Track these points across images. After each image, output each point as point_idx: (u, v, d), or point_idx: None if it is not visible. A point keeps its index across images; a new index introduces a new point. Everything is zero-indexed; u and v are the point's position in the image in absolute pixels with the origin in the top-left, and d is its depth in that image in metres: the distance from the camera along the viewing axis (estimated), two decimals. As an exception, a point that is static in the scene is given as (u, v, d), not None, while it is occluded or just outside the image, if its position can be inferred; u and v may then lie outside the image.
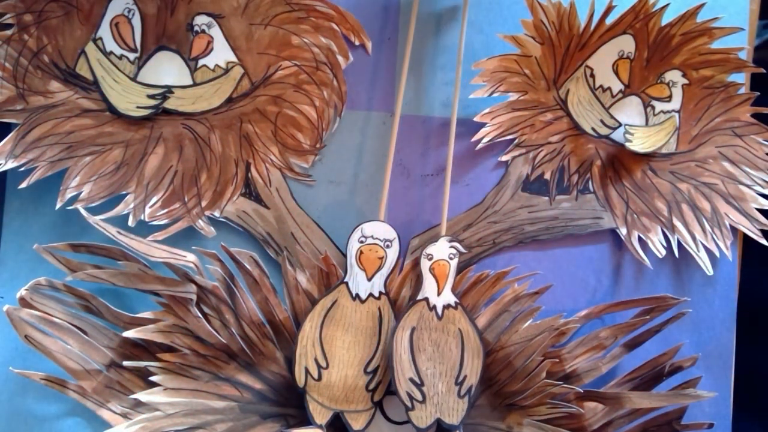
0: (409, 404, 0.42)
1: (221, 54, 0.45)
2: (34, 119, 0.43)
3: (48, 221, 0.45)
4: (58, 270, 0.42)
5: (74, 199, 0.43)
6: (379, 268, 0.43)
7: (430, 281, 0.43)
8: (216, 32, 0.45)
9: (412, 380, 0.42)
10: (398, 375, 0.42)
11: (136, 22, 0.45)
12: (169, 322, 0.42)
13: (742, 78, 0.50)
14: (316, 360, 0.42)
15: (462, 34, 0.47)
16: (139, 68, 0.45)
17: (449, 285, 0.43)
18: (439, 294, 0.43)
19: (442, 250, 0.44)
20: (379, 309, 0.43)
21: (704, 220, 0.49)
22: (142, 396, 0.41)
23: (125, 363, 0.42)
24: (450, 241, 0.44)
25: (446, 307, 0.43)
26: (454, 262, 0.44)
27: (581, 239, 0.49)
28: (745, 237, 0.50)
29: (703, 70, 0.49)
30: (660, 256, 0.48)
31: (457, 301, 0.43)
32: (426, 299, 0.43)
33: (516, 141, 0.48)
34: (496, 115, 0.47)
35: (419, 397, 0.42)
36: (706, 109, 0.50)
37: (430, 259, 0.43)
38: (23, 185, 0.42)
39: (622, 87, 0.49)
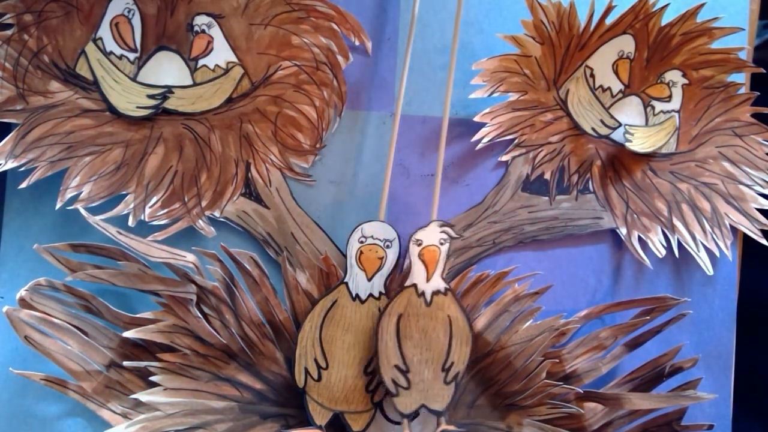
0: (393, 390, 0.41)
1: (221, 54, 0.45)
2: (34, 119, 0.43)
3: (48, 221, 0.45)
4: (58, 270, 0.42)
5: (74, 199, 0.43)
6: (379, 269, 0.43)
7: (418, 267, 0.42)
8: (216, 32, 0.45)
9: (397, 367, 0.41)
10: (383, 362, 0.41)
11: (136, 22, 0.45)
12: (169, 322, 0.42)
13: (742, 78, 0.50)
14: (315, 360, 0.42)
15: (456, 33, 0.47)
16: (139, 68, 0.45)
17: (439, 271, 0.42)
18: (428, 280, 0.42)
19: (431, 235, 0.43)
20: (379, 309, 0.43)
21: (704, 220, 0.49)
22: (142, 396, 0.41)
23: (125, 363, 0.42)
24: (441, 226, 0.43)
25: (435, 293, 0.42)
26: (444, 248, 0.43)
27: (581, 239, 0.49)
28: (745, 237, 0.50)
29: (703, 70, 0.49)
30: (660, 256, 0.48)
31: (447, 287, 0.43)
32: (414, 285, 0.42)
33: (516, 141, 0.48)
34: (496, 115, 0.47)
35: (404, 383, 0.41)
36: (706, 109, 0.50)
37: (419, 245, 0.42)
38: (23, 185, 0.42)
39: (622, 87, 0.49)
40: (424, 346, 0.42)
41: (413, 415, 0.42)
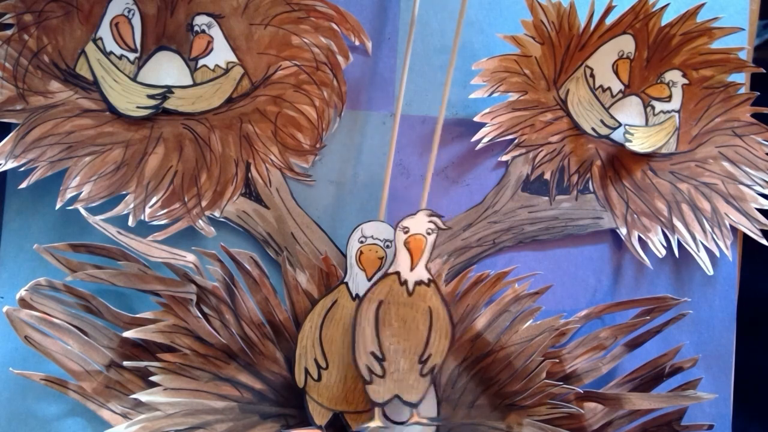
0: (367, 377, 0.41)
1: (221, 54, 0.45)
2: (34, 119, 0.43)
3: (48, 221, 0.45)
4: (58, 270, 0.42)
5: (74, 199, 0.43)
6: (379, 269, 0.43)
7: (403, 255, 0.42)
8: (216, 32, 0.45)
9: (373, 354, 0.41)
10: (359, 347, 0.41)
11: (136, 22, 0.45)
12: (169, 322, 0.42)
13: (742, 78, 0.50)
14: (315, 360, 0.42)
15: (458, 31, 0.47)
16: (139, 68, 0.45)
17: (424, 260, 0.42)
18: (412, 269, 0.42)
19: (419, 223, 0.42)
20: (379, 309, 0.43)
21: (704, 220, 0.49)
22: (142, 396, 0.41)
23: (125, 363, 0.42)
24: (429, 216, 0.42)
25: (418, 283, 0.42)
26: (431, 237, 0.42)
27: (581, 239, 0.49)
28: (745, 237, 0.50)
29: (703, 70, 0.49)
30: (660, 256, 0.48)
31: (431, 278, 0.42)
32: (397, 273, 0.42)
33: (516, 141, 0.48)
34: (496, 115, 0.47)
35: (379, 371, 0.41)
36: (706, 109, 0.50)
37: (405, 233, 0.42)
38: (23, 185, 0.42)
39: (622, 87, 0.49)
40: (402, 335, 0.41)
41: (387, 405, 0.41)
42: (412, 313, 0.42)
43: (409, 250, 0.42)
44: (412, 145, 0.48)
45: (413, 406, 0.41)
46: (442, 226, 0.42)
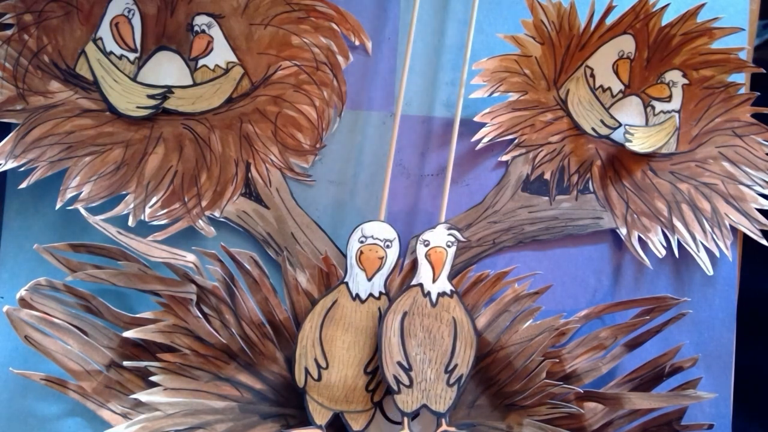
0: (395, 387, 0.42)
1: (221, 54, 0.45)
2: (34, 119, 0.43)
3: (48, 221, 0.45)
4: (58, 270, 0.42)
5: (74, 199, 0.43)
6: (380, 268, 0.43)
7: (425, 267, 0.43)
8: (216, 32, 0.45)
9: (399, 364, 0.42)
10: (386, 357, 0.42)
11: (136, 22, 0.45)
12: (169, 322, 0.42)
13: (742, 78, 0.50)
14: (315, 360, 0.42)
15: (470, 33, 0.47)
16: (139, 68, 0.45)
17: (445, 272, 0.43)
18: (434, 281, 0.43)
19: (439, 236, 0.43)
20: (379, 309, 0.43)
21: (704, 220, 0.49)
22: (142, 396, 0.41)
23: (125, 363, 0.42)
24: (448, 228, 0.44)
25: (441, 294, 0.43)
26: (451, 250, 0.43)
27: (581, 239, 0.49)
28: (745, 237, 0.50)
29: (704, 70, 0.49)
30: (660, 256, 0.48)
31: (453, 289, 0.43)
32: (420, 285, 0.43)
33: (516, 141, 0.48)
34: (496, 115, 0.47)
35: (406, 381, 0.42)
36: (706, 109, 0.50)
37: (426, 245, 0.43)
38: (23, 185, 0.42)
39: (622, 87, 0.49)
40: (428, 345, 0.42)
41: (414, 415, 0.42)
42: (437, 323, 0.43)
43: (430, 262, 0.43)
44: (412, 145, 0.48)
45: (441, 415, 0.42)
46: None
